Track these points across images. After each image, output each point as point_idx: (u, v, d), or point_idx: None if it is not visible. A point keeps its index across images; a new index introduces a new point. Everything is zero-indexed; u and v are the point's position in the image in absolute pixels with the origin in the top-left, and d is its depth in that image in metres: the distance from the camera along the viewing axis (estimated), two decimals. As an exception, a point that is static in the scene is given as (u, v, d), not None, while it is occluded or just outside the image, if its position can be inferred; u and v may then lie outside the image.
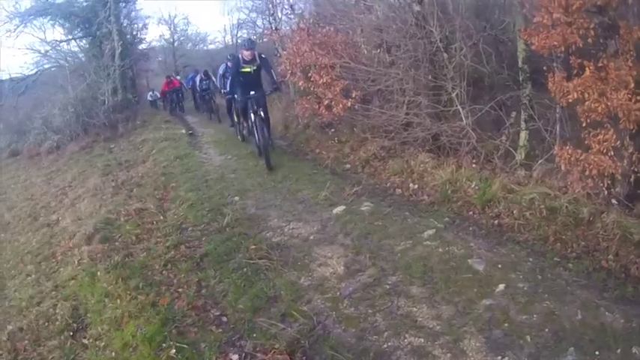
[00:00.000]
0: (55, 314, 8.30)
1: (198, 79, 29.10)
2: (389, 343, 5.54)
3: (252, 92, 14.30)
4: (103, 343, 6.97)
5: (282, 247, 8.39)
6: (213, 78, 26.19)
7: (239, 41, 41.37)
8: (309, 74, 14.62)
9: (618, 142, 7.75)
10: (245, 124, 17.61)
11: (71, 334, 7.61)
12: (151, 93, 39.63)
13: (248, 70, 14.26)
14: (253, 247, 8.41)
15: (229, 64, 18.55)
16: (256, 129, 14.16)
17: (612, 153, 7.71)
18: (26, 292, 9.87)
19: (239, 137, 18.49)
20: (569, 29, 7.97)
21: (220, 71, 20.99)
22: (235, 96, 16.69)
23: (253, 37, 39.30)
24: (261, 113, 14.09)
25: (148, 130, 25.23)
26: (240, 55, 14.71)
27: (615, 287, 6.12)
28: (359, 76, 13.34)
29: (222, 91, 20.73)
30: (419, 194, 10.01)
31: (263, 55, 15.15)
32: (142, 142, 22.38)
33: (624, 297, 5.92)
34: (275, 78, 15.29)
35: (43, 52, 32.88)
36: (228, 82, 18.07)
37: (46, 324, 8.17)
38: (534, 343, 5.15)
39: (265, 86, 15.42)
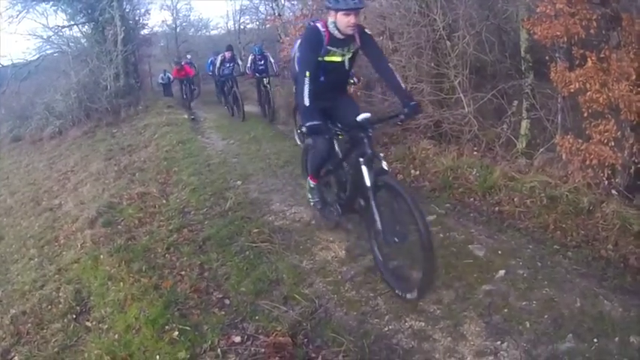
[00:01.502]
0: (58, 297, 8.32)
1: (218, 61, 23.27)
2: (390, 327, 5.59)
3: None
4: (106, 326, 6.99)
5: (284, 230, 8.43)
6: (239, 60, 23.71)
7: (242, 27, 41.32)
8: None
9: (619, 132, 7.81)
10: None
11: (74, 316, 7.60)
12: (162, 75, 36.51)
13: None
14: (255, 230, 8.44)
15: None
16: None
17: (613, 144, 7.76)
18: (29, 275, 9.88)
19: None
20: (571, 20, 8.03)
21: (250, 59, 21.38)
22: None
23: (256, 24, 38.77)
24: None
25: (150, 115, 25.10)
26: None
27: (614, 277, 6.15)
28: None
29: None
30: (420, 180, 10.06)
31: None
32: (144, 127, 22.32)
33: (623, 286, 5.95)
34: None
35: (45, 37, 32.79)
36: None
37: (49, 307, 8.18)
38: (533, 329, 5.20)
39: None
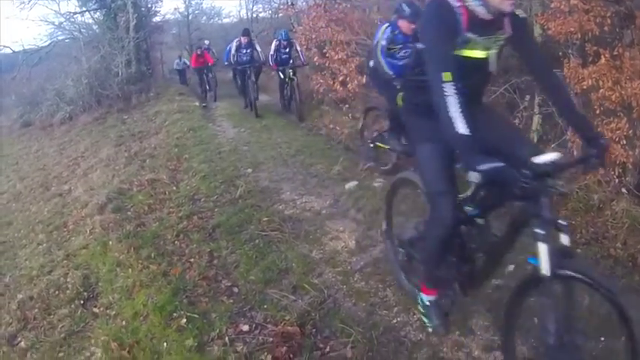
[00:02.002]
0: (66, 283, 8.33)
1: (234, 47, 20.57)
2: (398, 319, 5.59)
3: None
4: (114, 312, 7.01)
5: (294, 220, 8.45)
6: (257, 46, 20.59)
7: (254, 16, 41.07)
8: (325, 50, 14.62)
9: (630, 131, 7.80)
10: None
11: (82, 302, 7.61)
12: (177, 61, 35.80)
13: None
14: (265, 219, 8.48)
15: None
16: None
17: (624, 142, 7.76)
18: (37, 261, 9.89)
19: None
20: (586, 16, 8.04)
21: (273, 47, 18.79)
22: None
23: (268, 13, 38.17)
24: None
25: (161, 102, 25.16)
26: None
27: (622, 275, 6.17)
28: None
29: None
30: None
31: None
32: (155, 114, 22.40)
33: (631, 286, 5.97)
34: None
35: (57, 24, 33.10)
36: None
37: (57, 292, 8.18)
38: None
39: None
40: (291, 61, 18.77)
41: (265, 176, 10.88)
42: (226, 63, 22.18)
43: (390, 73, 9.15)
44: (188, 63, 32.23)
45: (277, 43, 18.86)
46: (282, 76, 18.89)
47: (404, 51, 9.36)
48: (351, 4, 15.28)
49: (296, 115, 18.19)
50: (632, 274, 6.19)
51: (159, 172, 12.51)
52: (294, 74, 18.42)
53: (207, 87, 26.49)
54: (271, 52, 18.81)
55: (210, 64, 26.70)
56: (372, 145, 10.77)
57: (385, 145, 10.36)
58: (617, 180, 7.91)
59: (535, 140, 10.28)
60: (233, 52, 20.54)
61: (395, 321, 5.57)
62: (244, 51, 20.29)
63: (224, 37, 36.38)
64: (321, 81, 15.44)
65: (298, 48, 18.30)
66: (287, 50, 18.77)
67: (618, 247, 6.61)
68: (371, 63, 9.87)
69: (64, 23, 32.91)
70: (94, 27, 33.01)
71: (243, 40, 20.32)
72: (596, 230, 7.05)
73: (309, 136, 14.34)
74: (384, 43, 9.33)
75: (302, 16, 19.35)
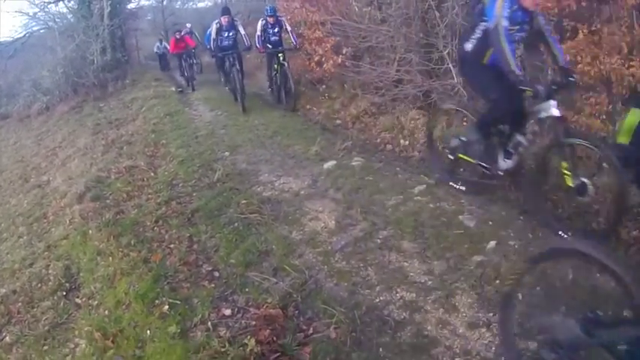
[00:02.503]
0: (48, 275, 8.44)
1: (213, 30, 17.79)
2: (381, 298, 5.57)
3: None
4: (96, 302, 7.07)
5: (273, 201, 8.43)
6: (241, 28, 17.62)
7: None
8: (300, 31, 14.57)
9: (610, 106, 7.78)
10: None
11: (64, 293, 7.72)
12: (157, 44, 33.82)
13: None
14: (244, 201, 8.46)
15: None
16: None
17: (604, 117, 7.74)
18: (18, 254, 9.97)
19: None
20: (563, -8, 8.00)
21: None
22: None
23: None
24: None
25: (138, 89, 25.10)
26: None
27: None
28: (350, 33, 13.32)
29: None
30: (409, 150, 10.07)
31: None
32: (131, 101, 22.35)
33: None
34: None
35: (31, 14, 32.90)
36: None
37: (39, 285, 8.28)
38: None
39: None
40: (281, 45, 16.67)
41: (243, 159, 10.83)
42: (208, 47, 20.11)
43: (517, 70, 6.41)
44: (169, 47, 28.93)
45: (264, 22, 16.67)
46: (271, 60, 16.93)
47: (520, 34, 6.99)
48: (326, -14, 15.28)
49: (289, 106, 16.08)
50: (616, 249, 6.13)
51: (136, 159, 12.52)
52: (284, 59, 16.30)
53: (186, 73, 24.34)
54: (258, 33, 16.65)
55: (191, 47, 25.09)
56: (450, 157, 8.22)
57: (471, 158, 7.81)
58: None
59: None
60: (213, 35, 17.70)
61: (377, 300, 5.55)
62: (226, 34, 17.44)
63: (199, 21, 36.14)
64: (297, 62, 15.48)
65: (288, 28, 16.29)
66: (276, 31, 16.73)
67: (601, 222, 6.56)
68: (469, 46, 7.35)
69: (39, 13, 32.88)
70: (69, 16, 32.89)
71: (224, 21, 17.29)
72: (577, 205, 7.02)
73: (285, 117, 14.33)
74: (505, 23, 6.50)
75: (277, -3, 19.09)
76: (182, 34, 25.89)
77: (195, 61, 25.47)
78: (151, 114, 18.21)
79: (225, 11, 17.85)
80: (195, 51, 26.07)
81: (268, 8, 16.93)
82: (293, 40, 16.03)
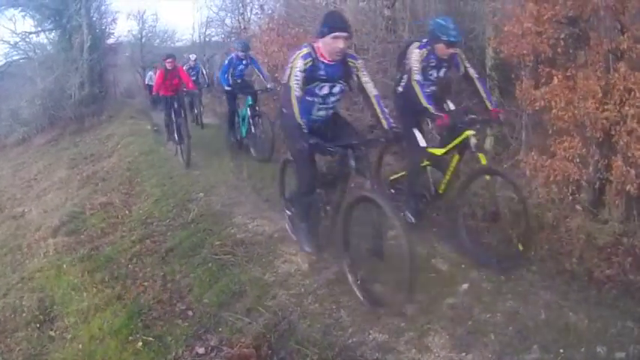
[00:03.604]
0: (22, 306, 8.34)
1: (232, 58, 14.60)
2: (354, 339, 5.58)
3: None
4: (70, 335, 7.03)
5: (246, 243, 8.39)
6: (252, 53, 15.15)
7: (207, 39, 40.84)
8: (276, 74, 14.58)
9: (584, 149, 7.86)
10: None
11: (38, 326, 7.65)
12: (150, 73, 27.81)
13: None
14: (218, 242, 8.48)
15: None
16: None
17: (578, 160, 7.81)
18: (-8, 284, 9.80)
19: None
20: (539, 39, 8.10)
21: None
22: None
23: (221, 37, 37.57)
24: None
25: (114, 125, 25.00)
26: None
27: (579, 290, 6.21)
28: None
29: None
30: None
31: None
32: (107, 137, 22.26)
33: (588, 299, 6.00)
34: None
35: (12, 43, 32.80)
36: None
37: (13, 316, 8.20)
38: (498, 340, 5.22)
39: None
40: (250, 87, 14.86)
41: (217, 200, 10.80)
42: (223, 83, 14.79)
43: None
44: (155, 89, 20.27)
45: (234, 56, 14.55)
46: (233, 101, 14.94)
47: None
48: (304, 29, 15.30)
49: (264, 157, 13.53)
50: (588, 288, 6.26)
51: (111, 196, 12.49)
52: (254, 101, 14.21)
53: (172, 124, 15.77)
54: (223, 69, 14.73)
55: (190, 89, 16.39)
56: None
57: None
58: (570, 197, 7.96)
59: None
60: (230, 64, 14.59)
61: (350, 341, 5.56)
62: (242, 63, 14.56)
63: (178, 60, 36.18)
64: (272, 105, 15.41)
65: (260, 66, 14.85)
66: (245, 67, 14.73)
67: (574, 262, 6.66)
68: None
69: (20, 43, 32.76)
70: (49, 47, 32.85)
71: (239, 51, 14.53)
72: (550, 247, 7.12)
73: (260, 161, 14.23)
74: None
75: (254, 40, 18.84)
76: (175, 65, 16.03)
77: (195, 111, 21.35)
78: (126, 151, 18.17)
79: (245, 46, 14.75)
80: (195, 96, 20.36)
81: (239, 44, 14.91)
82: (265, 78, 14.48)
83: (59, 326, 7.42)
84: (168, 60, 15.69)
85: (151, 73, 27.82)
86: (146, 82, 29.37)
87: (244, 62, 14.52)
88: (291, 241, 8.08)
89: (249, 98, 14.22)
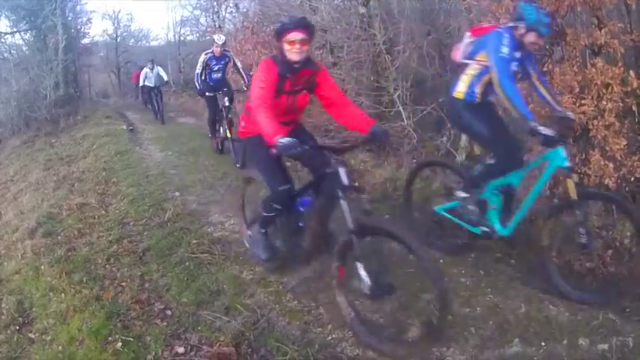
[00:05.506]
0: (1, 309, 8.20)
1: (207, 57, 14.15)
2: (333, 335, 5.61)
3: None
4: (50, 337, 6.93)
5: (223, 242, 8.42)
6: (235, 59, 14.53)
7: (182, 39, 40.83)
8: (251, 73, 14.51)
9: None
10: None
11: (17, 328, 7.51)
12: (147, 71, 25.62)
13: None
14: (195, 241, 8.44)
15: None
16: None
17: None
18: (-30, 287, 9.72)
19: None
20: (515, 35, 8.12)
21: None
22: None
23: (196, 36, 37.41)
24: None
25: (89, 126, 24.94)
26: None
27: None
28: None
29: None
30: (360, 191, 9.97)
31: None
32: (82, 138, 22.16)
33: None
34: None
35: (-13, 44, 32.71)
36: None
37: (-8, 318, 8.08)
38: (479, 335, 5.24)
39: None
40: (226, 86, 14.37)
41: (193, 199, 10.85)
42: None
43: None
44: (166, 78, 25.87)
45: (209, 55, 14.16)
46: (213, 104, 14.44)
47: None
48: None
49: (238, 160, 13.08)
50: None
51: (88, 196, 12.38)
52: (230, 102, 13.85)
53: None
54: (197, 70, 14.23)
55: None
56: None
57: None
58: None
59: (464, 157, 10.37)
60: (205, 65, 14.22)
61: (330, 338, 5.59)
62: (217, 61, 14.34)
63: (153, 59, 36.15)
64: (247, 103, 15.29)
65: (238, 64, 14.29)
66: (221, 66, 14.35)
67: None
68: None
69: (-5, 44, 32.68)
70: (24, 48, 32.89)
71: (217, 49, 14.16)
72: (529, 241, 7.11)
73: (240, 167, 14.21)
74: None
75: (230, 38, 18.87)
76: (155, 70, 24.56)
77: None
78: (102, 152, 18.04)
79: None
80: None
81: (217, 36, 14.44)
82: (245, 79, 13.83)
83: (38, 328, 7.29)
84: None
85: (147, 70, 25.82)
86: (143, 83, 26.41)
87: (222, 62, 14.27)
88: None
89: (226, 99, 13.81)
